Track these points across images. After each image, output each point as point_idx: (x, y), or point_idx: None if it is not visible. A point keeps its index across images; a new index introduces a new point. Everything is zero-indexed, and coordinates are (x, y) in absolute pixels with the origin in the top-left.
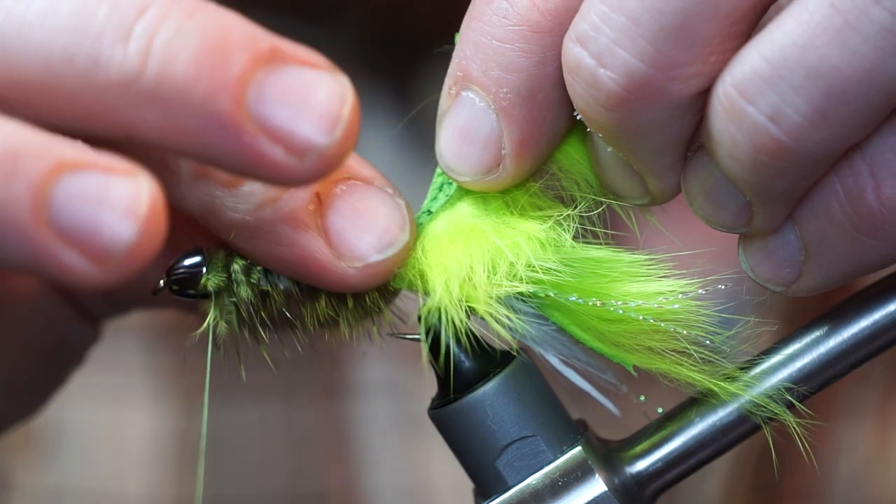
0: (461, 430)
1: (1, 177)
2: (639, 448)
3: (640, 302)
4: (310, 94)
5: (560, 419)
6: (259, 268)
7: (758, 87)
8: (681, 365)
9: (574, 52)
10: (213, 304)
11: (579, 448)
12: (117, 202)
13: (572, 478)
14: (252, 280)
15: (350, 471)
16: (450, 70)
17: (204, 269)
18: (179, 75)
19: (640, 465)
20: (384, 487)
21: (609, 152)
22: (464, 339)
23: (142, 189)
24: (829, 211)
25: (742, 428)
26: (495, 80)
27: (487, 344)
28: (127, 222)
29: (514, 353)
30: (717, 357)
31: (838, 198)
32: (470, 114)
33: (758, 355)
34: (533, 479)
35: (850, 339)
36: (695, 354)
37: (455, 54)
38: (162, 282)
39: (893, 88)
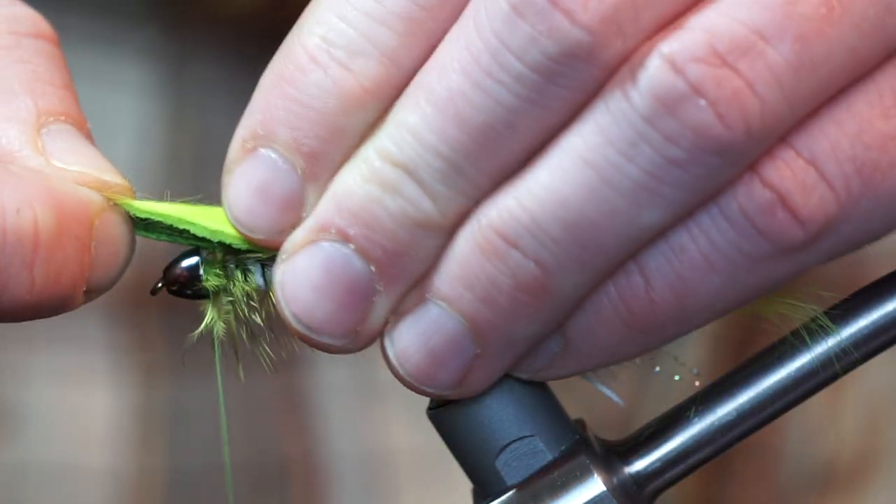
0: (460, 431)
1: None
2: (637, 448)
3: None
4: None
5: (558, 419)
6: (256, 268)
7: (518, 231)
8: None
9: (390, 171)
10: (210, 304)
11: (578, 448)
12: None
13: (571, 478)
14: (249, 281)
15: (310, 438)
16: (247, 123)
17: (202, 270)
18: None
19: (639, 465)
20: (344, 453)
21: (353, 271)
22: None
23: None
24: (600, 310)
25: (742, 427)
26: (310, 147)
27: None
28: None
29: None
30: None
31: (611, 298)
32: (271, 173)
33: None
34: (531, 479)
35: (848, 338)
36: None
37: (256, 110)
38: (160, 282)
39: (647, 236)
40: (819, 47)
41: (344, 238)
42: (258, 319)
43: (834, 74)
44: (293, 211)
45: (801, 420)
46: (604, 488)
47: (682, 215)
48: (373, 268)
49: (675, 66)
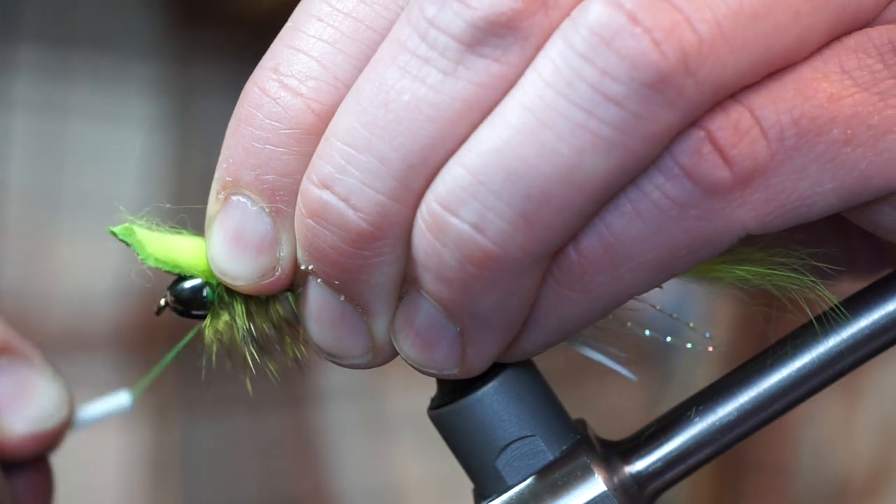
0: (461, 431)
1: None
2: (638, 448)
3: None
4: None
5: (559, 419)
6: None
7: (460, 197)
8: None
9: (318, 196)
10: (210, 321)
11: (579, 448)
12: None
13: (571, 477)
14: (251, 301)
15: (320, 474)
16: (217, 175)
17: (205, 291)
18: None
19: (640, 465)
20: (354, 489)
21: (337, 301)
22: None
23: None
24: None
25: (743, 426)
26: (271, 184)
27: None
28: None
29: None
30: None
31: None
32: (242, 218)
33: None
34: (532, 478)
35: (849, 338)
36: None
37: (223, 159)
38: (163, 301)
39: (591, 186)
40: None
41: (313, 274)
42: (264, 332)
43: (778, 32)
44: (269, 252)
45: (813, 436)
46: (605, 488)
47: (628, 167)
48: (342, 297)
49: (614, 2)
